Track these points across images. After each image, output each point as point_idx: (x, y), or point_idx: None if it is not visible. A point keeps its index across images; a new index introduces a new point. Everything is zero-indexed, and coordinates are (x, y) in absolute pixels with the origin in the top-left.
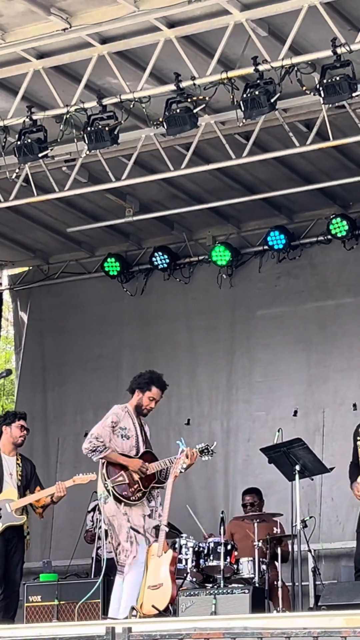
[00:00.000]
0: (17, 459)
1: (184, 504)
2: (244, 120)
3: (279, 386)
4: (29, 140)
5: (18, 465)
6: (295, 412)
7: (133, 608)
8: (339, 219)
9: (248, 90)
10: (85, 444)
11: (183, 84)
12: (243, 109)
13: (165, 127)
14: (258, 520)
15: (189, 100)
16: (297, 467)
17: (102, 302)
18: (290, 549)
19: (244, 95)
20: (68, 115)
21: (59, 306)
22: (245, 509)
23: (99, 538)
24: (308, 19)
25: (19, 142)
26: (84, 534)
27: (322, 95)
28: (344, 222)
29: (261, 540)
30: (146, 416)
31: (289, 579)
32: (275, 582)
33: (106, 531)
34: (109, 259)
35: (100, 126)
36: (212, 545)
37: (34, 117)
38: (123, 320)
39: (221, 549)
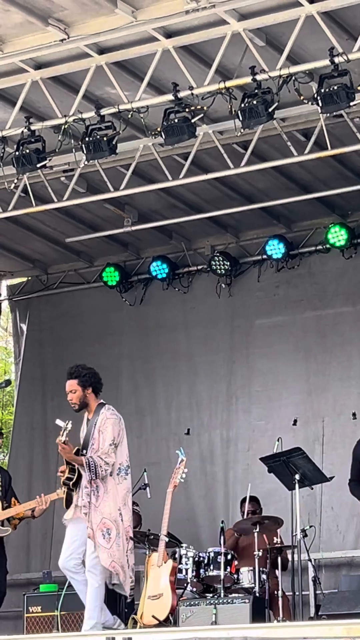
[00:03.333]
0: None
1: (183, 513)
2: (242, 130)
3: (279, 395)
4: (28, 151)
5: None
6: (295, 421)
7: (134, 618)
8: (337, 228)
9: (246, 99)
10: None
11: (181, 94)
12: (241, 118)
13: (164, 137)
14: (258, 530)
15: (187, 110)
16: (297, 477)
17: (101, 312)
18: (290, 558)
19: (242, 105)
20: (66, 126)
21: (58, 316)
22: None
23: None
24: (305, 29)
25: (17, 153)
26: None
27: (320, 104)
28: (343, 231)
29: (261, 550)
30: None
31: (289, 588)
32: (275, 592)
33: None
34: (107, 269)
35: (98, 136)
36: (212, 555)
37: (32, 128)
38: (122, 330)
39: (221, 559)
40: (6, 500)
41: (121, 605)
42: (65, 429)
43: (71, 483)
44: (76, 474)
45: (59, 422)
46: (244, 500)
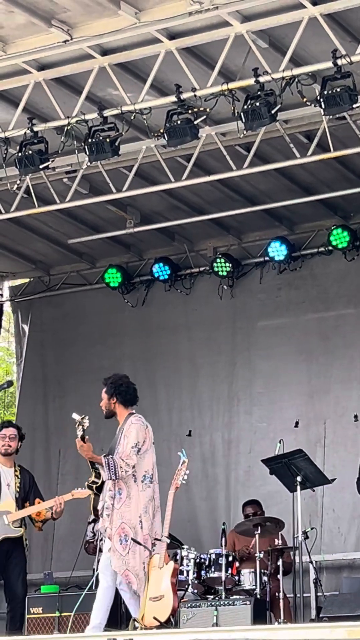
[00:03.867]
0: (16, 471)
1: (185, 515)
2: (244, 132)
3: (280, 397)
4: (30, 152)
5: (16, 477)
6: (297, 423)
7: (135, 620)
8: (339, 230)
9: (249, 101)
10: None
11: (184, 96)
12: (244, 120)
13: (166, 138)
14: (260, 532)
15: (189, 111)
16: (299, 479)
17: (103, 314)
18: (291, 561)
19: (245, 107)
20: (69, 127)
21: (60, 317)
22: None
23: (101, 550)
24: (308, 31)
25: (20, 154)
26: (85, 545)
27: (323, 106)
28: (345, 233)
29: (263, 552)
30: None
31: (290, 590)
32: (276, 594)
33: None
34: (109, 270)
35: (101, 137)
36: (213, 556)
37: (35, 129)
38: (124, 331)
39: (222, 561)
40: (29, 501)
41: (121, 606)
42: (80, 424)
43: (95, 487)
44: (101, 479)
45: (74, 415)
46: (246, 504)
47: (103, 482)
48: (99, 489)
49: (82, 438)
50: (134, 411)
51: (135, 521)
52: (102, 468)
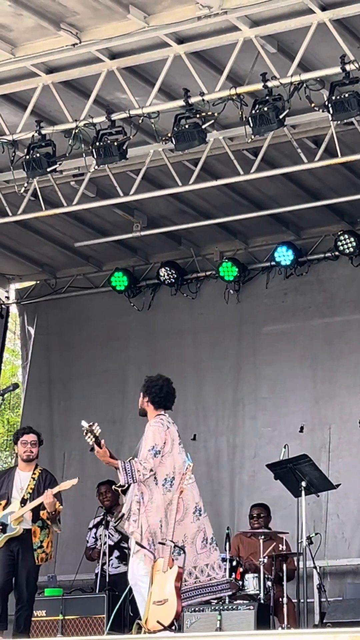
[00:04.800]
0: (34, 474)
1: None
2: (252, 137)
3: (285, 402)
4: (38, 155)
5: (33, 479)
6: (302, 428)
7: (138, 624)
8: (346, 236)
9: (257, 106)
10: None
11: (192, 100)
12: (252, 125)
13: (174, 142)
14: (264, 538)
15: (197, 116)
16: (304, 484)
17: (109, 317)
18: (295, 566)
19: (253, 112)
20: (77, 130)
21: (66, 320)
22: (251, 520)
23: (104, 554)
24: (317, 36)
25: (27, 157)
26: (88, 552)
27: (331, 112)
28: (352, 239)
29: (267, 557)
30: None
31: (294, 595)
32: (280, 599)
33: (111, 547)
34: (116, 274)
35: (108, 141)
36: None
37: (43, 132)
38: (129, 335)
39: (226, 565)
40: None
41: (126, 610)
42: (89, 431)
43: (121, 490)
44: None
45: (83, 423)
46: (253, 505)
47: (129, 486)
48: (126, 492)
49: (98, 444)
50: (162, 412)
51: (157, 525)
52: (119, 472)
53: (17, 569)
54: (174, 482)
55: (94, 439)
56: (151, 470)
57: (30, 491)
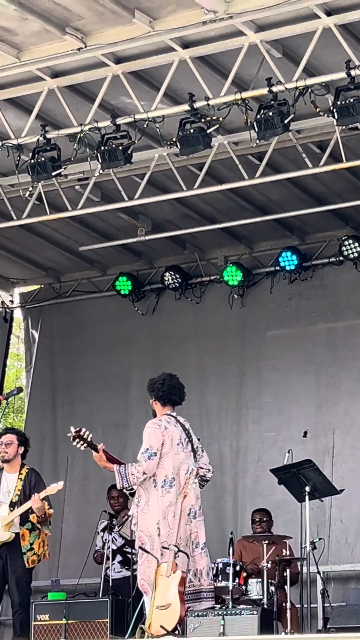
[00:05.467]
0: (21, 474)
1: None
2: (257, 141)
3: (289, 407)
4: (43, 159)
5: (20, 480)
6: (305, 433)
7: (142, 628)
8: (351, 241)
9: (262, 111)
10: None
11: (197, 104)
12: (256, 129)
13: (179, 147)
14: (267, 542)
15: (202, 120)
16: (307, 489)
17: (113, 321)
18: (299, 571)
19: (258, 116)
20: (82, 134)
21: (70, 324)
22: (254, 525)
23: (108, 558)
24: (322, 41)
25: (32, 161)
26: (95, 554)
27: (336, 116)
28: (356, 244)
29: (270, 562)
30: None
31: (297, 600)
32: (284, 604)
33: (114, 552)
34: (120, 278)
35: (113, 145)
36: (220, 565)
37: (48, 136)
38: (133, 339)
39: (230, 570)
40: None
41: (129, 614)
42: (75, 437)
43: (129, 493)
44: None
45: (71, 429)
46: (255, 510)
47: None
48: (134, 494)
49: (94, 448)
50: (168, 411)
51: (153, 528)
52: (116, 477)
53: (8, 574)
54: (173, 483)
55: (85, 444)
56: (144, 473)
57: (19, 493)
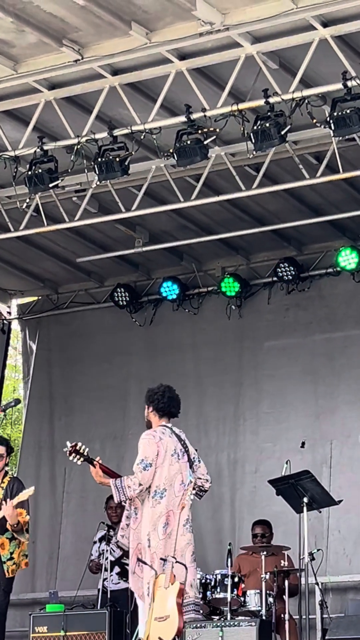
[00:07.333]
0: (3, 482)
1: None
2: (254, 152)
3: (287, 417)
4: (40, 171)
5: (1, 489)
6: (303, 443)
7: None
8: (348, 251)
9: (258, 122)
10: None
11: (194, 116)
12: (253, 140)
13: (176, 158)
14: (266, 554)
15: (199, 131)
16: (305, 500)
17: (111, 332)
18: (297, 582)
19: (255, 127)
20: (79, 146)
21: (68, 336)
22: (254, 540)
23: (106, 569)
24: (319, 52)
25: (29, 172)
26: (89, 564)
27: (333, 128)
28: (354, 254)
29: (268, 573)
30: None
31: (296, 612)
32: (282, 615)
33: (112, 563)
34: (118, 289)
35: (110, 157)
36: (218, 577)
37: (45, 148)
38: (131, 350)
39: (228, 581)
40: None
41: (126, 627)
42: (71, 452)
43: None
44: None
45: (68, 444)
46: (256, 523)
47: None
48: None
49: (91, 462)
50: (164, 423)
51: (144, 540)
52: (113, 491)
53: None
54: (164, 494)
55: (82, 459)
56: (140, 484)
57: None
